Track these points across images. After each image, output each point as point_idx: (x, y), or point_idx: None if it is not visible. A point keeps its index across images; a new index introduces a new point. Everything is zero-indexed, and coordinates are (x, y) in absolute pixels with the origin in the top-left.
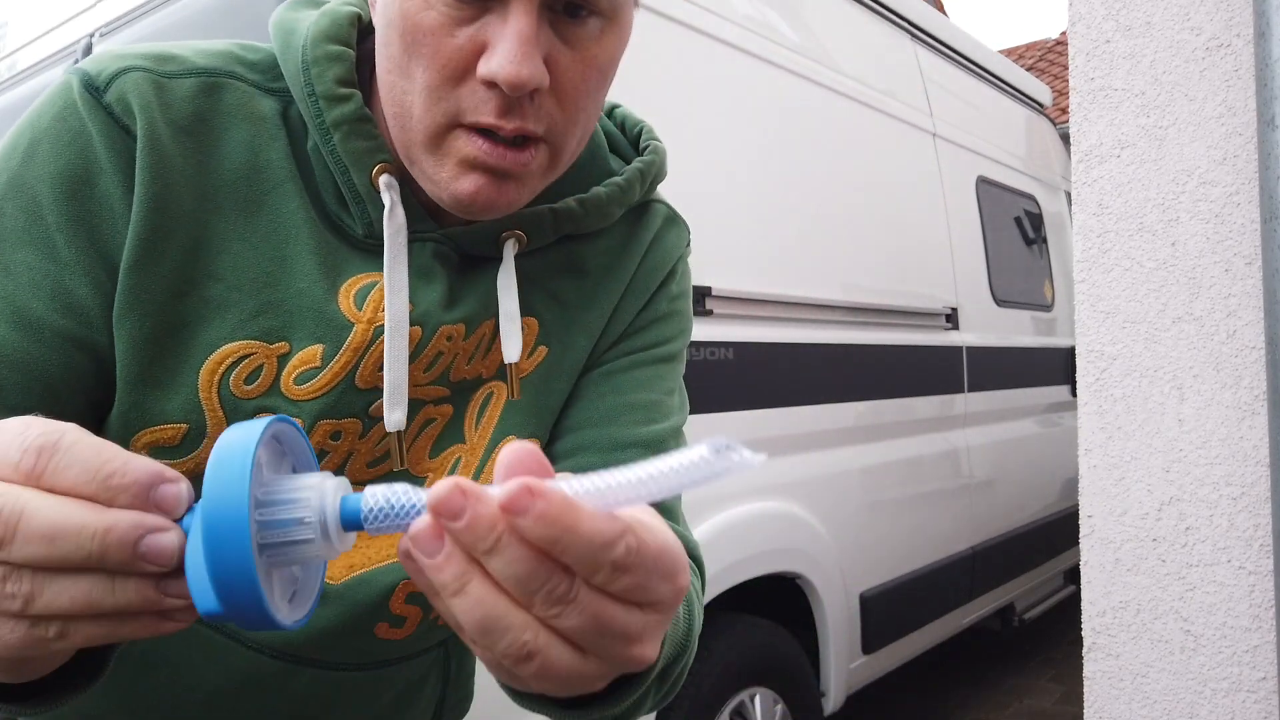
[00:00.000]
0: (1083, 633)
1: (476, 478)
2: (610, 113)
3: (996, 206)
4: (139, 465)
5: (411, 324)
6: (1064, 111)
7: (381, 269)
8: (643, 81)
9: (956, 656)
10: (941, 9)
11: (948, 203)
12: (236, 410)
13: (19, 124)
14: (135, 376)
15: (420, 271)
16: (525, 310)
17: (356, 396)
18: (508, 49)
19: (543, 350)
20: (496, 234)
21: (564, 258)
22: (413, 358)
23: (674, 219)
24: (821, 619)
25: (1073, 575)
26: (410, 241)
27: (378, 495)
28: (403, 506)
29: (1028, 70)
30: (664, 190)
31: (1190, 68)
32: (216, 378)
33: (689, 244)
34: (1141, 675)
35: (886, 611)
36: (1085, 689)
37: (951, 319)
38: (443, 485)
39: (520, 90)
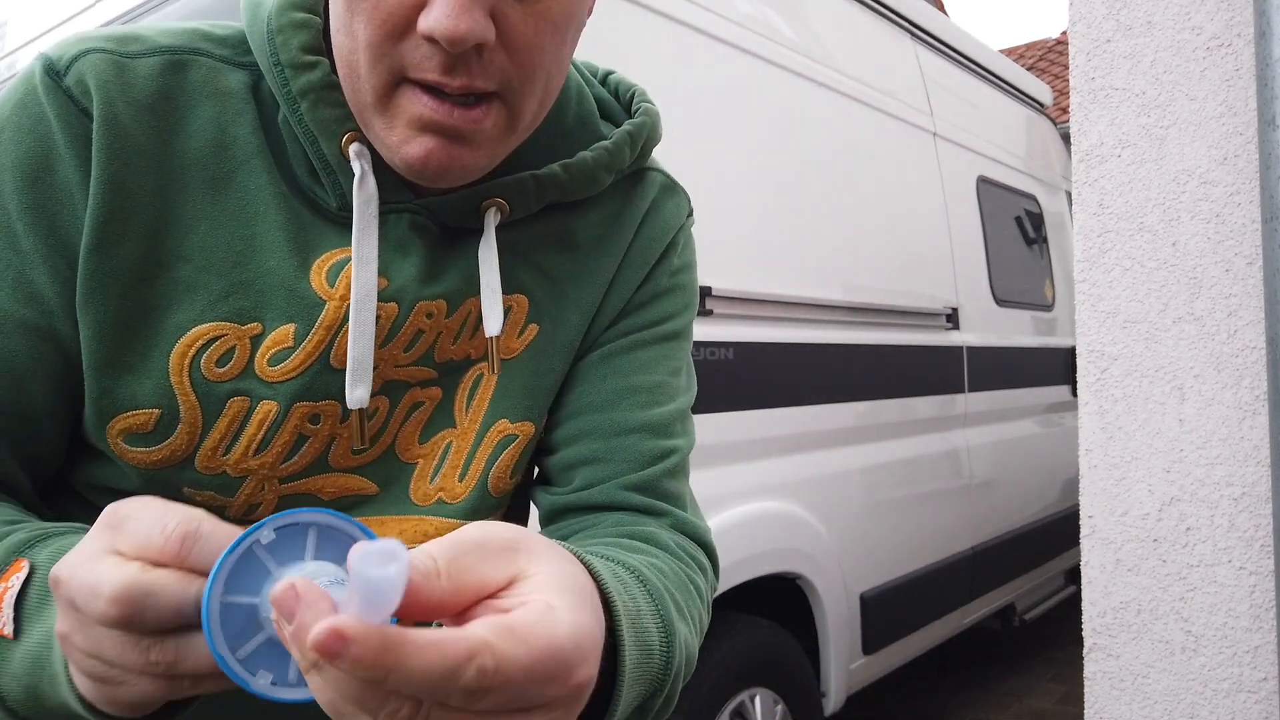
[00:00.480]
0: (1083, 633)
1: (468, 464)
2: (604, 79)
3: (997, 206)
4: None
5: (386, 299)
6: (1064, 111)
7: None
8: (642, 81)
9: (956, 656)
10: (942, 8)
11: (948, 202)
12: (210, 394)
13: None
14: (103, 362)
15: (396, 245)
16: (514, 286)
17: (333, 377)
18: (445, 3)
19: (533, 328)
20: (476, 204)
21: (553, 230)
22: (390, 335)
23: (672, 187)
24: (822, 619)
25: (1073, 575)
26: (386, 214)
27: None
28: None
29: (1028, 70)
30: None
31: (1191, 67)
32: (187, 361)
33: (690, 213)
34: (1142, 676)
35: (887, 612)
36: (1085, 689)
37: (952, 319)
38: (282, 584)
39: (460, 45)
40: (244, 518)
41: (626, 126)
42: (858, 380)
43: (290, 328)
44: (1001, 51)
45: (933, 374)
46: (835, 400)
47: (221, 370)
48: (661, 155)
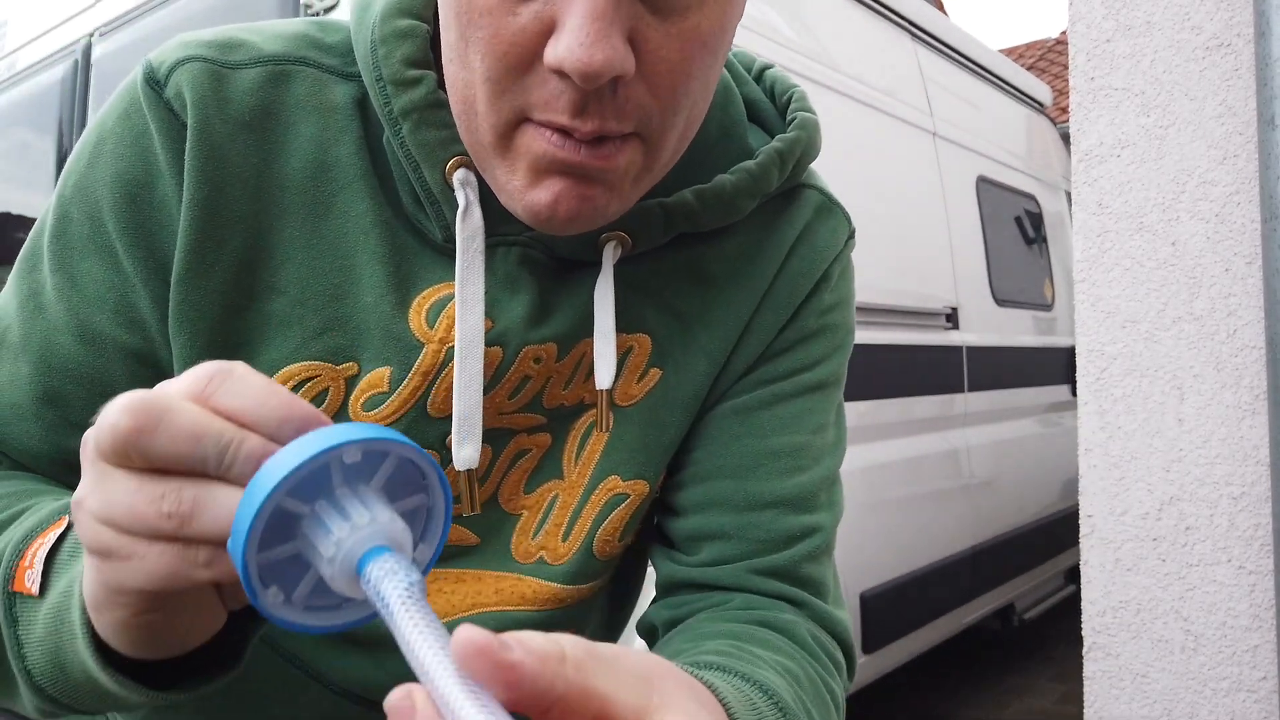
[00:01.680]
0: (1083, 632)
1: (573, 522)
2: (759, 76)
3: (997, 206)
4: (302, 404)
5: (490, 344)
6: (1064, 111)
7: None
8: None
9: (956, 656)
10: (941, 8)
11: (948, 202)
12: None
13: (96, 117)
14: None
15: (504, 281)
16: (635, 325)
17: (430, 426)
18: (577, 29)
19: (655, 373)
20: (595, 236)
21: (683, 262)
22: (494, 383)
23: (829, 208)
24: None
25: (1073, 575)
26: (494, 246)
27: (385, 566)
28: (386, 599)
29: (1028, 70)
30: None
31: (1190, 67)
32: None
33: (851, 237)
34: (1142, 675)
35: (887, 610)
36: (1085, 689)
37: (951, 319)
38: (397, 692)
39: (595, 81)
40: None
41: (776, 144)
42: (857, 380)
43: (386, 371)
44: (1001, 51)
45: (932, 374)
46: None
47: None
48: None
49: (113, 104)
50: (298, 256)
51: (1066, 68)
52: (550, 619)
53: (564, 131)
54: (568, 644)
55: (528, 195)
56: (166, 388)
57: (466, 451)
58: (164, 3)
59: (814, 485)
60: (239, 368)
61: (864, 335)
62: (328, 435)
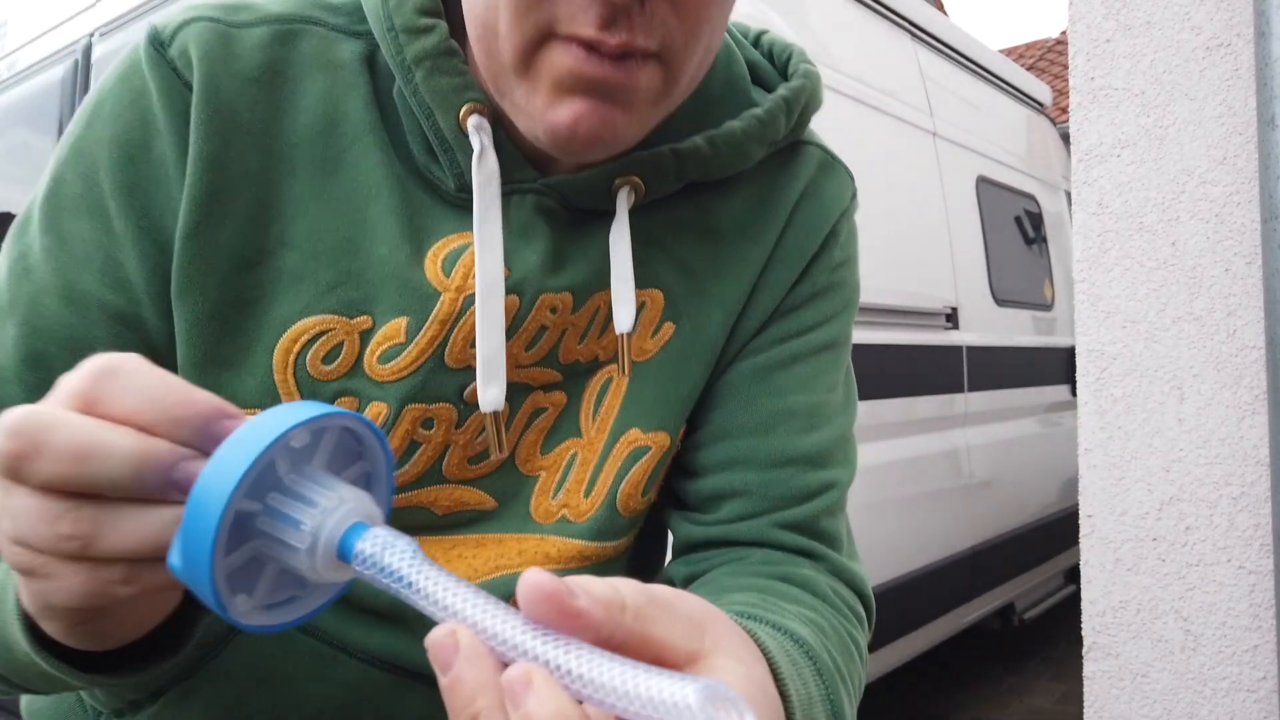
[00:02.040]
0: (1083, 632)
1: (595, 477)
2: (757, 40)
3: (996, 206)
4: (203, 397)
5: (508, 290)
6: (1064, 111)
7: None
8: None
9: (956, 656)
10: (941, 9)
11: (948, 202)
12: (315, 394)
13: (97, 83)
14: (201, 358)
15: (519, 230)
16: (649, 280)
17: (448, 377)
18: None
19: (669, 327)
20: (608, 182)
21: (692, 215)
22: (511, 331)
23: (831, 164)
24: None
25: (1073, 575)
26: (508, 195)
27: (379, 540)
28: (394, 570)
29: (1028, 70)
30: None
31: (1190, 67)
32: (292, 357)
33: (854, 195)
34: (1141, 675)
35: (887, 610)
36: (1085, 689)
37: (951, 318)
38: (440, 631)
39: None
40: None
41: (782, 91)
42: (857, 380)
43: (402, 321)
44: (1001, 51)
45: (932, 373)
46: None
47: (328, 368)
48: None
49: (113, 69)
50: (309, 211)
51: (1066, 68)
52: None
53: (589, 46)
54: (627, 591)
55: (548, 115)
56: (49, 400)
57: (492, 393)
58: (164, 2)
59: (830, 442)
60: (126, 363)
61: (864, 335)
62: (265, 427)
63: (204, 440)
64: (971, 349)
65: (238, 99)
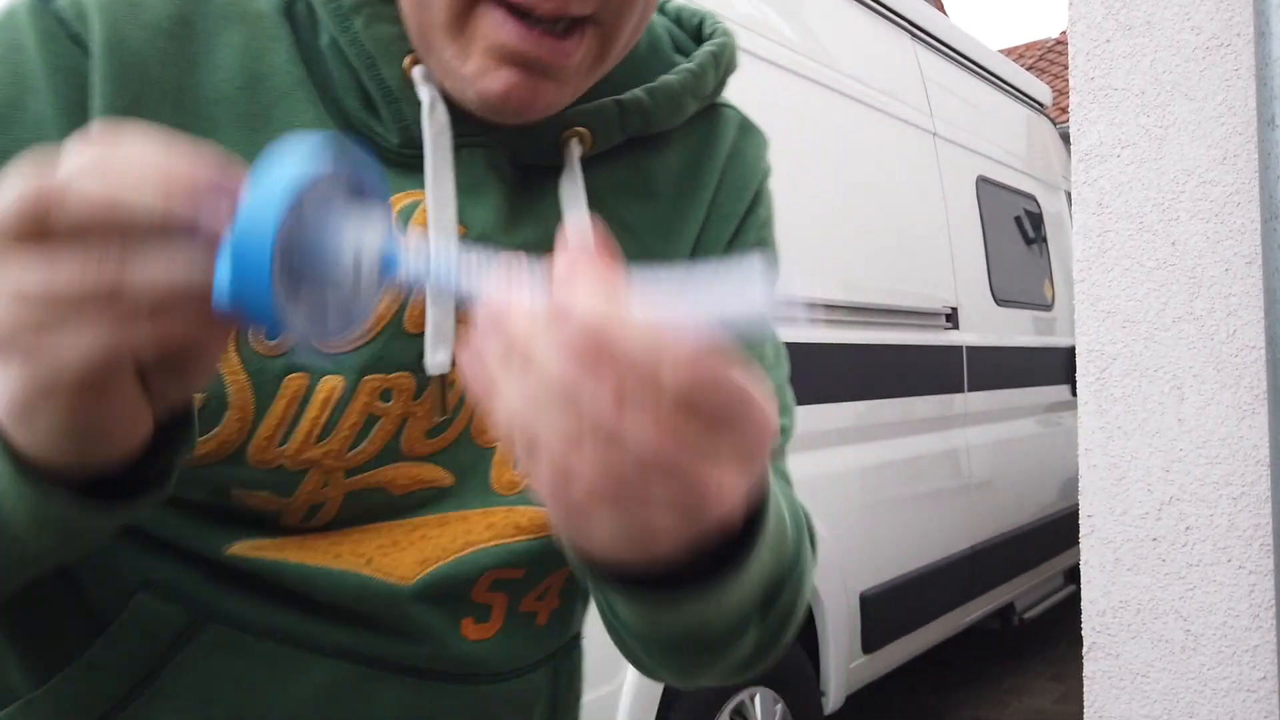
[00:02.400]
0: (1083, 632)
1: None
2: (662, 8)
3: (996, 206)
4: (205, 154)
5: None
6: (1064, 111)
7: (422, 185)
8: None
9: (956, 656)
10: (941, 9)
11: (948, 202)
12: (262, 372)
13: None
14: None
15: (471, 186)
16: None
17: (407, 343)
18: None
19: None
20: (557, 134)
21: (630, 174)
22: None
23: (749, 125)
24: (821, 618)
25: (1073, 575)
26: (457, 149)
27: (422, 254)
28: (443, 265)
29: (1028, 70)
30: None
31: (1190, 67)
32: (231, 334)
33: (766, 152)
34: (1141, 675)
35: (886, 611)
36: (1085, 689)
37: (951, 318)
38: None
39: None
40: (304, 523)
41: (709, 47)
42: (858, 380)
43: None
44: (1001, 51)
45: (932, 373)
46: (835, 400)
47: (274, 343)
48: None
49: None
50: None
51: (1066, 68)
52: (550, 545)
53: (522, 13)
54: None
55: (480, 82)
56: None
57: (440, 356)
58: None
59: (774, 390)
60: (126, 136)
61: (864, 335)
62: (294, 154)
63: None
64: (971, 349)
65: (147, 50)
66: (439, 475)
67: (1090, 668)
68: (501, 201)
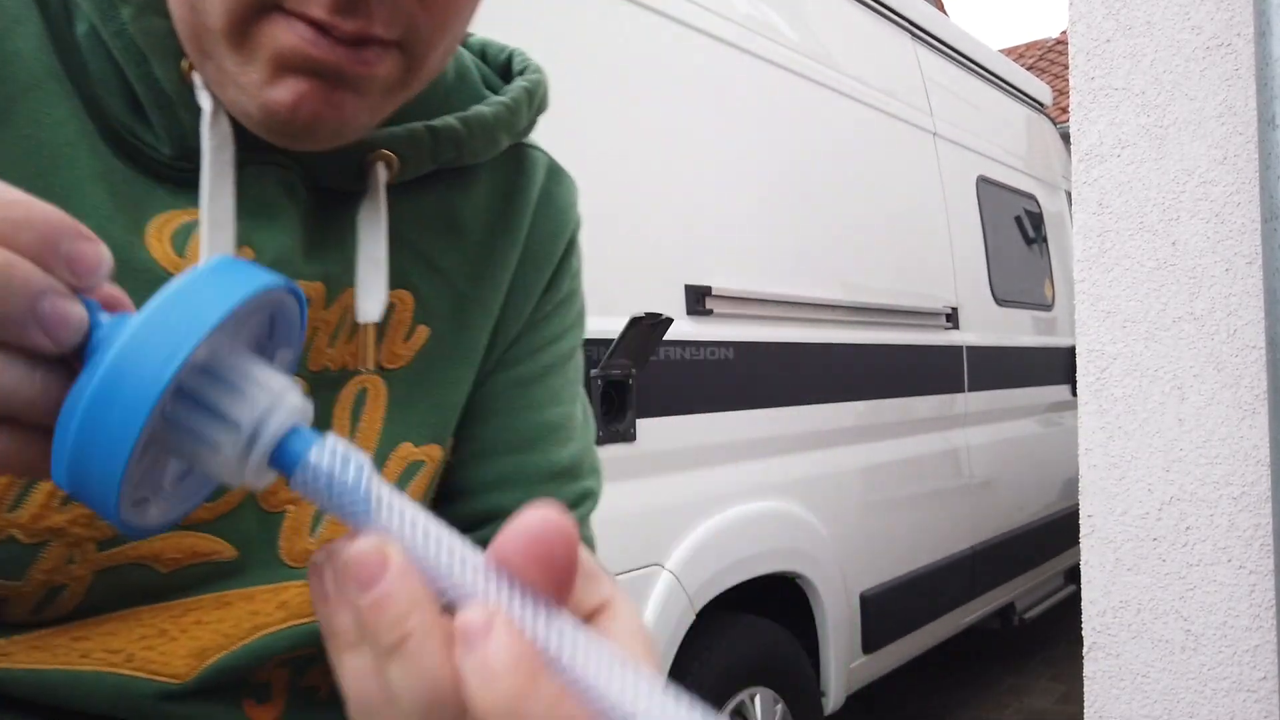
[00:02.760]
0: (1083, 632)
1: None
2: (465, 42)
3: (997, 206)
4: (49, 208)
5: None
6: (1064, 111)
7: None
8: (641, 80)
9: (956, 656)
10: (942, 8)
11: (948, 202)
12: None
13: None
14: None
15: (260, 208)
16: (396, 280)
17: None
18: None
19: (423, 331)
20: (361, 157)
21: (437, 211)
22: None
23: (559, 170)
24: (821, 619)
25: (1073, 575)
26: (242, 166)
27: (336, 451)
28: (350, 487)
29: (1028, 70)
30: (663, 188)
31: (1190, 67)
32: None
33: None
34: (1142, 675)
35: (887, 611)
36: (1085, 689)
37: (952, 318)
38: (366, 543)
39: None
40: (38, 614)
41: (522, 82)
42: (858, 380)
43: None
44: (1001, 51)
45: (932, 374)
46: (835, 400)
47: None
48: (661, 155)
49: None
50: None
51: (1066, 68)
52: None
53: (320, 28)
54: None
55: (265, 92)
56: None
57: None
58: None
59: (581, 451)
60: None
61: (864, 335)
62: (196, 296)
63: (53, 262)
64: (971, 349)
65: None
66: (218, 547)
67: (1090, 668)
68: (297, 226)
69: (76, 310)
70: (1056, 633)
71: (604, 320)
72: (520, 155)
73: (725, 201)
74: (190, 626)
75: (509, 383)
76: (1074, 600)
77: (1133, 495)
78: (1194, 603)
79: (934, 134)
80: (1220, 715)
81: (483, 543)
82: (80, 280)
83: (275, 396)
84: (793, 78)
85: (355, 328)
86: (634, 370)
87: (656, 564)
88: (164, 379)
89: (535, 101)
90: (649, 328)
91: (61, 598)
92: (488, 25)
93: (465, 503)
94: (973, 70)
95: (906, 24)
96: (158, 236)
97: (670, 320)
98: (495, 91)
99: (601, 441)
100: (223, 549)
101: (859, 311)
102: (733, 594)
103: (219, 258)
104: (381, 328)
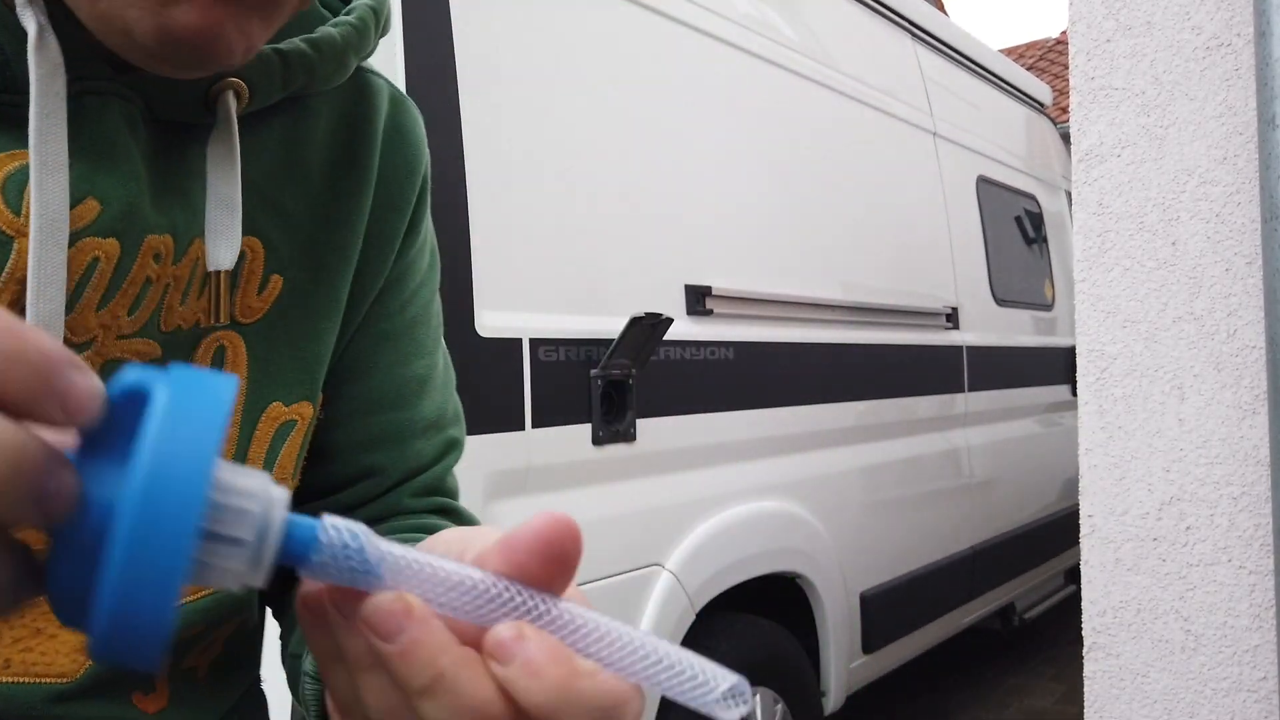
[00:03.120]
0: (1083, 632)
1: (243, 462)
2: None
3: (997, 206)
4: (43, 338)
5: (104, 231)
6: (1064, 111)
7: (27, 144)
8: (641, 80)
9: (956, 656)
10: (942, 8)
11: (948, 202)
12: None
13: None
14: None
15: (101, 147)
16: (244, 226)
17: None
18: None
19: (277, 280)
20: (206, 87)
21: (279, 147)
22: (111, 289)
23: (403, 99)
24: (821, 619)
25: (1073, 575)
26: (78, 96)
27: (338, 526)
28: (358, 553)
29: (1028, 70)
30: (663, 188)
31: (1190, 67)
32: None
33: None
34: (1142, 675)
35: (887, 611)
36: (1085, 689)
37: (952, 318)
38: (384, 598)
39: None
40: None
41: (368, 2)
42: (858, 380)
43: None
44: (1001, 51)
45: (932, 373)
46: (835, 400)
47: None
48: (661, 155)
49: None
50: None
51: (1066, 68)
52: (222, 599)
53: None
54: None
55: (167, 12)
56: None
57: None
58: None
59: (445, 400)
60: None
61: (864, 335)
62: (190, 416)
63: (47, 399)
64: (971, 349)
65: None
66: None
67: (1090, 668)
68: (141, 168)
69: (71, 483)
70: (1056, 632)
71: (604, 320)
72: (361, 83)
73: (725, 201)
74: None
75: (377, 337)
76: (1074, 600)
77: (1133, 495)
78: (1194, 603)
79: (934, 134)
80: (1220, 715)
81: (359, 500)
82: (72, 419)
83: (265, 501)
84: (793, 78)
85: (206, 280)
86: (634, 370)
87: (656, 564)
88: (188, 537)
89: (381, 21)
90: (649, 328)
91: None
92: (489, 25)
93: (338, 463)
94: (973, 70)
95: (906, 24)
96: None
97: (670, 320)
98: (334, 13)
99: (601, 441)
100: None
101: (859, 311)
102: (733, 594)
103: (175, 373)
104: (233, 279)
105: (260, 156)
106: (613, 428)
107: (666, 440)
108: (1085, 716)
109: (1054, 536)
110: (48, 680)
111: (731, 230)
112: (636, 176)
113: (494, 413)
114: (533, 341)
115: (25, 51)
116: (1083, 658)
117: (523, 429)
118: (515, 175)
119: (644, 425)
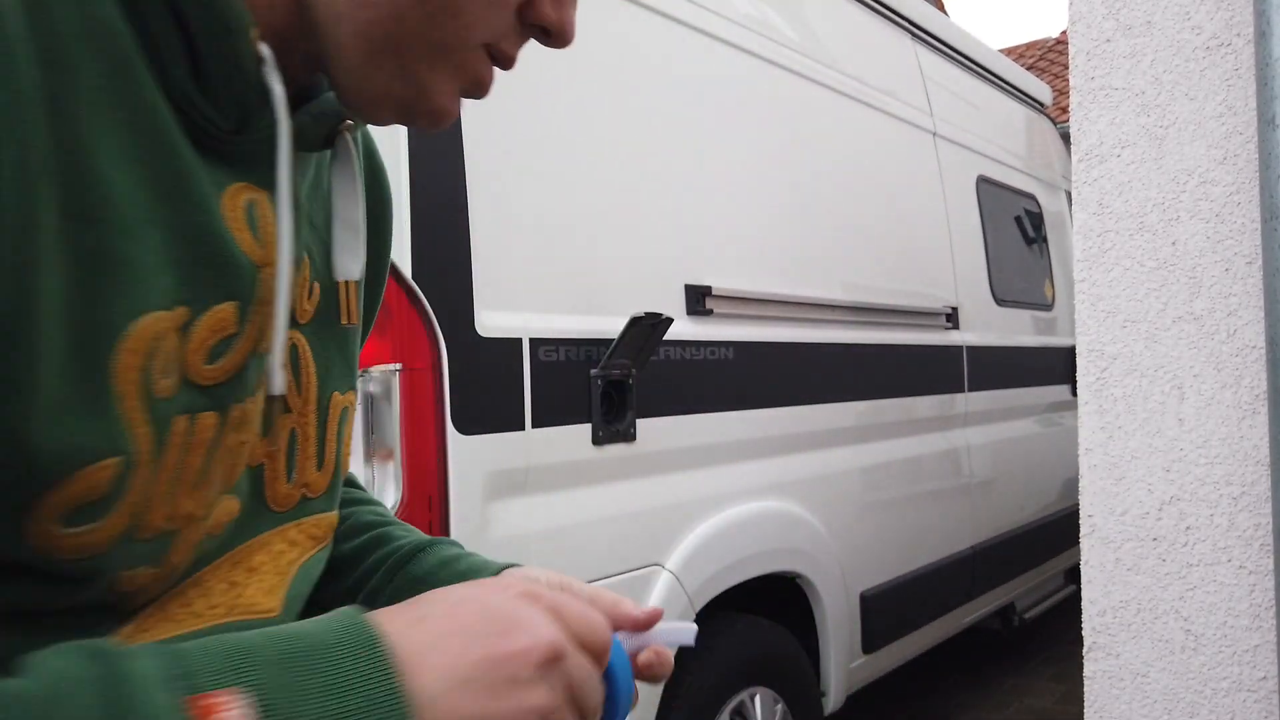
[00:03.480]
0: (1083, 632)
1: (321, 449)
2: None
3: (997, 206)
4: (599, 618)
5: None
6: (1064, 111)
7: (253, 179)
8: (641, 80)
9: (956, 656)
10: (942, 8)
11: (948, 202)
12: (161, 418)
13: None
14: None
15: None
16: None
17: (259, 364)
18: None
19: (316, 288)
20: (338, 120)
21: (305, 168)
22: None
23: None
24: (821, 619)
25: (1073, 575)
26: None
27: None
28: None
29: (1028, 69)
30: (663, 188)
31: (1191, 67)
32: (136, 372)
33: None
34: (1142, 675)
35: (887, 611)
36: (1085, 689)
37: (952, 318)
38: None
39: (565, 43)
40: (148, 594)
41: None
42: (857, 380)
43: (229, 307)
44: (1001, 51)
45: (932, 373)
46: (835, 400)
47: (167, 381)
48: (661, 155)
49: None
50: (110, 165)
51: (1066, 68)
52: (326, 551)
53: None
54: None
55: (440, 100)
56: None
57: (280, 374)
58: None
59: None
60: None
61: (864, 335)
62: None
63: (598, 663)
64: (971, 349)
65: None
66: (234, 506)
67: (1090, 668)
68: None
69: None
70: (1057, 632)
71: (604, 320)
72: None
73: (725, 201)
74: (244, 575)
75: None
76: (1074, 600)
77: (1133, 495)
78: (1194, 603)
79: (934, 134)
80: (1220, 715)
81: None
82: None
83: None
84: (792, 77)
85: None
86: (634, 370)
87: (656, 564)
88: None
89: None
90: (649, 328)
91: (174, 575)
92: None
93: None
94: (973, 70)
95: (906, 24)
96: (236, 220)
97: (670, 320)
98: None
99: (601, 441)
100: (235, 507)
101: (859, 311)
102: (733, 594)
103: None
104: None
105: (303, 176)
106: (613, 428)
107: (666, 440)
108: (1085, 716)
109: (1054, 536)
110: (261, 615)
111: (731, 230)
112: (636, 176)
113: (494, 413)
114: (533, 341)
115: (258, 100)
116: (1083, 658)
117: (522, 429)
118: (515, 175)
119: (644, 425)
